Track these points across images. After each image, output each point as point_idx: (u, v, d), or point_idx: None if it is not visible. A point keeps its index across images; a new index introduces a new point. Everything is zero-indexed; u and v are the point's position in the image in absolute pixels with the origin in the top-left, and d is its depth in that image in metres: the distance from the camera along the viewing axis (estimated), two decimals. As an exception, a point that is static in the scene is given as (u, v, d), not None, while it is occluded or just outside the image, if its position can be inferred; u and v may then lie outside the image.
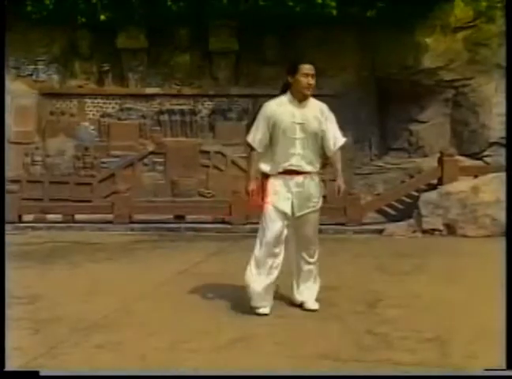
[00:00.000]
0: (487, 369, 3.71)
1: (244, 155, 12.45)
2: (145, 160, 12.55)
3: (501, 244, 8.28)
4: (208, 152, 12.45)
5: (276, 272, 5.29)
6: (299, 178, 5.25)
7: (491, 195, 9.25)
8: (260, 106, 5.48)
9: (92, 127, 12.69)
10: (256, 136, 5.24)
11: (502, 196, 9.15)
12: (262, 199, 5.28)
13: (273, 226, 5.23)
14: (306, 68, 5.28)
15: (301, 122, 5.26)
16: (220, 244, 8.83)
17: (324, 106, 5.45)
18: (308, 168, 5.27)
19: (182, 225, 10.62)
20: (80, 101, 12.67)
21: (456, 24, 11.50)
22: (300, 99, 5.31)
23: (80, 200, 11.88)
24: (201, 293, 5.91)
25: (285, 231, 5.30)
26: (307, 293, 5.42)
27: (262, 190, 5.31)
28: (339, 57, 11.79)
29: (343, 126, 12.68)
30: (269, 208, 5.23)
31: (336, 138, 5.44)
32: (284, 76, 5.48)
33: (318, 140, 5.34)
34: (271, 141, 5.26)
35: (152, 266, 7.42)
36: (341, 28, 11.61)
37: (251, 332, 4.70)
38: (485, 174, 10.01)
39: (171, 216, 11.23)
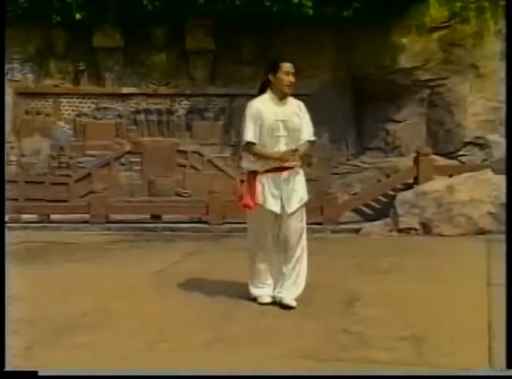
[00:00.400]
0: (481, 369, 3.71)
1: (221, 154, 12.46)
2: (122, 160, 12.48)
3: (476, 242, 8.39)
4: (185, 152, 12.40)
5: (276, 265, 5.51)
6: (286, 174, 5.35)
7: (465, 194, 9.33)
8: (244, 106, 5.52)
9: (68, 126, 12.59)
10: (252, 133, 5.28)
11: (477, 195, 9.25)
12: (251, 198, 5.33)
13: (264, 225, 5.39)
14: (287, 66, 5.37)
15: (284, 120, 5.34)
16: (197, 243, 8.82)
17: (301, 104, 5.54)
18: (294, 163, 5.35)
19: (159, 225, 10.59)
20: (56, 100, 12.57)
21: (431, 25, 11.56)
22: (281, 97, 5.39)
23: (55, 200, 11.78)
24: (178, 293, 5.90)
25: (275, 229, 5.41)
26: (286, 292, 5.45)
27: (250, 189, 5.34)
28: (315, 57, 11.79)
29: (319, 126, 12.69)
30: (257, 208, 5.33)
31: (307, 132, 5.50)
32: (263, 75, 5.51)
33: (299, 136, 5.41)
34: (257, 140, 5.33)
35: (128, 266, 7.39)
36: (318, 28, 11.61)
37: (229, 332, 4.71)
38: (460, 173, 10.09)
39: (148, 216, 11.19)
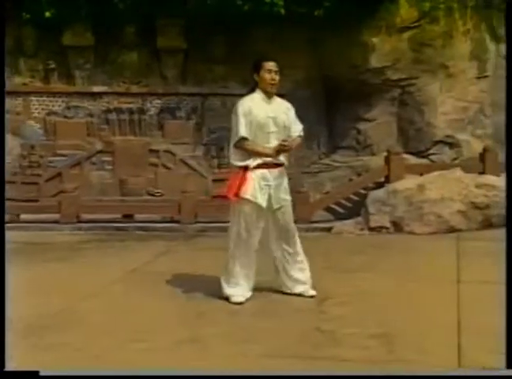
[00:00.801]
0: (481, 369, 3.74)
1: (193, 154, 12.45)
2: (93, 159, 12.42)
3: (446, 240, 8.48)
4: (157, 151, 12.37)
5: (253, 265, 5.61)
6: (275, 171, 5.49)
7: (436, 192, 9.41)
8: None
9: (38, 126, 12.50)
10: (245, 129, 5.36)
11: (447, 193, 9.33)
12: (239, 192, 5.38)
13: (251, 219, 5.43)
14: (270, 65, 5.47)
15: (273, 116, 5.47)
16: (169, 243, 8.80)
17: (288, 104, 5.70)
18: (282, 160, 5.53)
19: (131, 224, 10.55)
20: (26, 99, 12.47)
21: (401, 25, 11.67)
22: (268, 95, 5.51)
23: (26, 200, 11.69)
24: (151, 292, 5.89)
25: (261, 224, 5.51)
26: (300, 284, 5.66)
27: (239, 184, 5.39)
28: (287, 56, 11.73)
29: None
30: (245, 202, 5.39)
31: (299, 130, 5.71)
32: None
33: (287, 133, 5.54)
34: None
35: (100, 266, 7.35)
36: (290, 27, 11.65)
37: (202, 331, 4.71)
38: (430, 172, 10.17)
39: (120, 215, 11.14)
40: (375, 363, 4.02)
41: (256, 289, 5.89)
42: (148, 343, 4.41)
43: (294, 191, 10.71)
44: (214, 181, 12.19)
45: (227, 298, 5.55)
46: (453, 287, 5.87)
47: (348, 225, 9.80)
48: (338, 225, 9.87)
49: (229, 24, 11.69)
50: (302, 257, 5.77)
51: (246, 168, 5.42)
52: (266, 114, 5.44)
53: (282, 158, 5.51)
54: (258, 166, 5.42)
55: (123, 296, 5.84)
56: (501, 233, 8.62)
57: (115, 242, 9.05)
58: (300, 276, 5.70)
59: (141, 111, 12.43)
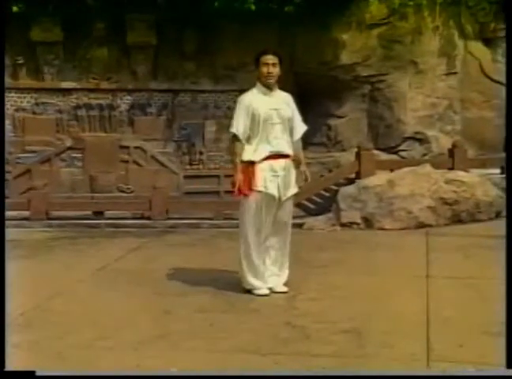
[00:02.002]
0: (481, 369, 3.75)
1: (164, 150, 12.40)
2: (63, 156, 12.31)
3: (416, 236, 8.54)
4: (127, 147, 12.31)
5: (272, 253, 5.69)
6: (283, 162, 5.54)
7: (405, 188, 9.46)
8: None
9: (7, 122, 12.36)
10: (239, 127, 5.43)
11: (417, 189, 9.40)
12: (250, 187, 5.44)
13: (266, 210, 5.50)
14: (266, 58, 5.53)
15: (276, 108, 5.53)
16: (140, 239, 8.75)
17: (290, 96, 5.77)
18: (289, 151, 5.58)
19: (102, 221, 10.48)
20: (-6, 95, 12.34)
21: (371, 21, 11.72)
22: (269, 88, 5.55)
23: (-5, 197, 11.58)
24: (121, 289, 5.86)
25: (272, 214, 5.58)
26: (275, 279, 5.68)
27: (248, 178, 5.45)
28: (258, 51, 11.82)
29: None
30: (258, 195, 5.46)
31: (300, 126, 5.75)
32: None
33: (290, 126, 5.62)
34: (251, 130, 5.47)
35: (70, 263, 7.29)
36: (260, 24, 11.65)
37: (170, 327, 4.70)
38: (400, 168, 10.23)
39: (90, 212, 11.06)
40: (345, 358, 4.04)
41: (227, 283, 5.90)
42: (115, 340, 4.39)
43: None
44: (185, 177, 12.17)
45: (248, 291, 5.58)
46: (422, 281, 5.91)
47: (319, 221, 9.82)
48: (309, 221, 9.89)
49: (200, 20, 11.65)
50: (287, 251, 5.79)
51: (253, 162, 5.47)
52: (269, 107, 5.49)
53: (289, 150, 5.57)
54: (265, 158, 5.48)
55: (92, 294, 5.80)
56: (470, 228, 8.74)
57: (85, 239, 8.98)
58: (276, 270, 5.72)
59: (111, 107, 12.36)
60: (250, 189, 5.45)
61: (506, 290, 4.54)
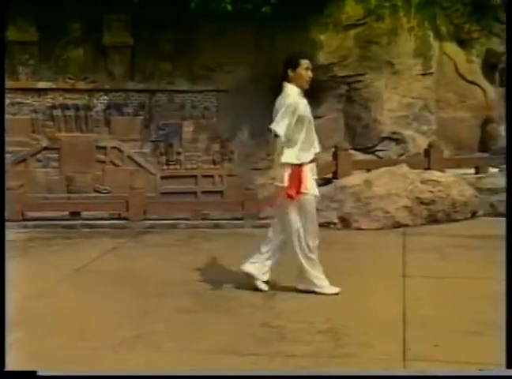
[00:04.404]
0: (480, 369, 3.77)
1: (141, 150, 12.34)
2: (39, 156, 12.20)
3: (392, 236, 8.59)
4: (104, 148, 12.22)
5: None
6: (314, 164, 5.70)
7: (382, 188, 9.51)
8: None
9: (-18, 122, 12.25)
10: (283, 127, 5.45)
11: (393, 189, 9.45)
12: (298, 190, 5.45)
13: (314, 214, 5.60)
14: (307, 62, 5.65)
15: (309, 111, 5.67)
16: (117, 240, 8.72)
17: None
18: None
19: (78, 222, 10.41)
20: (-32, 95, 12.21)
21: (347, 22, 11.74)
22: (302, 91, 5.67)
23: (-31, 198, 11.46)
24: (99, 290, 5.84)
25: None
26: (320, 280, 5.69)
27: (296, 181, 5.47)
28: (235, 52, 11.80)
29: (239, 121, 12.72)
30: (307, 197, 5.52)
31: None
32: (281, 71, 5.70)
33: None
34: (295, 133, 5.50)
35: (47, 264, 7.25)
36: (237, 24, 11.62)
37: (150, 328, 4.70)
38: (377, 168, 10.28)
39: (67, 213, 10.99)
40: (322, 358, 4.06)
41: (205, 284, 5.91)
42: (94, 341, 4.38)
43: (242, 188, 10.81)
44: (162, 177, 12.14)
45: (313, 292, 5.59)
46: (399, 281, 5.96)
47: (296, 221, 9.83)
48: (287, 221, 9.90)
49: (176, 20, 11.61)
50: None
51: (300, 165, 5.50)
52: (309, 109, 5.63)
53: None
54: (310, 161, 5.58)
55: (69, 295, 5.77)
56: (445, 228, 8.82)
57: (62, 240, 8.93)
58: (316, 276, 5.72)
59: (88, 108, 12.26)
60: (299, 192, 5.47)
61: (506, 290, 4.57)
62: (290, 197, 5.48)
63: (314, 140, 5.64)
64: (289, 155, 5.51)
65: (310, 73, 5.62)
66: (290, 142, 5.51)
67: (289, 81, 5.61)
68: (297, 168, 5.50)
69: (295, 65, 5.58)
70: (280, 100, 5.59)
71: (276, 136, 5.46)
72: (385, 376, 3.74)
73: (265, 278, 5.79)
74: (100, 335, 4.53)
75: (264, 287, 5.71)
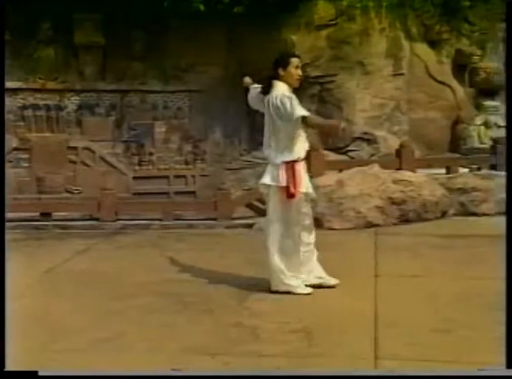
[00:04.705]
0: (480, 369, 3.78)
1: (112, 151, 12.28)
2: (9, 156, 12.11)
3: (364, 235, 8.63)
4: (75, 148, 12.16)
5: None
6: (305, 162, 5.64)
7: (354, 188, 9.54)
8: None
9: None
10: (302, 109, 5.40)
11: (365, 189, 9.50)
12: (296, 187, 5.44)
13: (300, 212, 5.54)
14: (297, 61, 5.65)
15: None
16: (89, 241, 8.66)
17: None
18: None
19: (49, 223, 10.32)
20: None
21: (319, 22, 11.81)
22: (291, 89, 5.59)
23: None
24: (70, 292, 5.80)
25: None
26: (319, 270, 5.74)
27: (295, 178, 5.45)
28: (207, 52, 11.82)
29: (212, 122, 12.74)
30: (303, 196, 5.51)
31: None
32: (271, 70, 5.61)
33: None
34: (291, 129, 5.47)
35: (17, 266, 7.16)
36: (210, 24, 11.64)
37: (121, 329, 4.67)
38: (349, 168, 10.32)
39: (37, 214, 10.89)
40: (296, 358, 4.07)
41: (177, 284, 5.89)
42: (65, 343, 4.34)
43: (215, 187, 10.81)
44: (134, 178, 12.10)
45: (287, 292, 5.55)
46: (371, 281, 5.98)
47: (269, 221, 9.84)
48: (260, 221, 9.90)
49: (148, 20, 11.58)
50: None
51: (295, 161, 5.48)
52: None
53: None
54: (303, 158, 5.56)
55: (40, 296, 5.72)
56: (417, 227, 8.87)
57: (33, 241, 8.85)
58: (315, 267, 5.77)
59: (59, 108, 12.19)
60: (298, 191, 5.46)
61: (506, 290, 4.58)
62: (292, 196, 5.48)
63: (305, 137, 5.62)
64: (287, 153, 5.51)
65: (300, 72, 5.62)
66: (288, 140, 5.50)
67: (279, 80, 5.58)
68: (295, 166, 5.50)
69: (285, 64, 5.56)
70: (276, 96, 5.48)
71: (304, 118, 5.40)
72: (381, 375, 3.75)
73: (317, 274, 5.76)
74: (71, 336, 4.50)
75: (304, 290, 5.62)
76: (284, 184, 5.45)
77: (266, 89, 5.61)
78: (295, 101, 5.40)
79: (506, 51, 10.82)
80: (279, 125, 5.48)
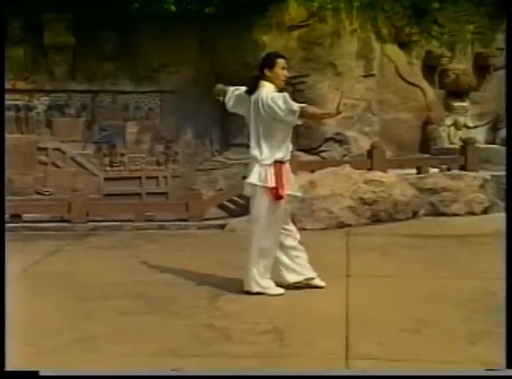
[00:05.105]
0: (488, 369, 3.79)
1: (83, 151, 12.17)
2: (-22, 158, 11.97)
3: (336, 236, 8.67)
4: (45, 149, 12.03)
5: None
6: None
7: (326, 189, 9.58)
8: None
9: None
10: (295, 104, 5.36)
11: (337, 189, 9.54)
12: (283, 188, 5.45)
13: (282, 213, 5.59)
14: (283, 61, 5.60)
15: None
16: (59, 243, 8.59)
17: None
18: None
19: (19, 224, 10.22)
20: None
21: (291, 23, 11.83)
22: (277, 90, 5.56)
23: None
24: (40, 294, 5.75)
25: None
26: (309, 269, 5.74)
27: (282, 180, 5.46)
28: (179, 53, 11.77)
29: (183, 123, 12.68)
30: (288, 197, 5.54)
31: None
32: (257, 70, 5.63)
33: None
34: (282, 129, 5.50)
35: (-14, 269, 7.09)
36: (181, 24, 11.59)
37: (91, 331, 4.64)
38: (321, 168, 10.35)
39: (7, 215, 10.78)
40: (267, 358, 4.08)
41: (148, 285, 5.87)
42: (36, 346, 4.31)
43: (187, 188, 10.78)
44: (106, 179, 12.01)
45: (259, 293, 5.54)
46: (343, 281, 6.02)
47: (241, 222, 9.84)
48: (232, 222, 9.91)
49: (119, 20, 11.51)
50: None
51: (281, 162, 5.49)
52: None
53: None
54: (288, 159, 5.59)
55: (10, 299, 5.66)
56: (388, 227, 8.94)
57: (2, 244, 8.75)
58: (305, 265, 5.77)
59: (28, 108, 12.05)
60: (284, 193, 5.46)
61: (506, 290, 4.61)
62: (280, 197, 5.47)
63: (289, 139, 5.62)
64: (278, 153, 5.51)
65: (286, 73, 5.61)
66: (280, 139, 5.51)
67: (265, 80, 5.58)
68: (283, 167, 5.51)
69: (272, 65, 5.56)
70: (267, 96, 5.41)
71: (301, 109, 5.37)
72: (379, 375, 3.76)
73: (308, 275, 5.74)
74: (43, 339, 4.46)
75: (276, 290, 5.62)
76: (272, 185, 5.46)
77: (252, 89, 5.61)
78: (288, 97, 5.39)
79: (506, 51, 10.88)
80: (271, 124, 5.48)
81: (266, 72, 5.57)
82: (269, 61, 5.60)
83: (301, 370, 3.84)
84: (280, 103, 5.36)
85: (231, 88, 5.87)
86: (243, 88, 5.75)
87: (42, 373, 3.44)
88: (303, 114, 5.36)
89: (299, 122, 5.46)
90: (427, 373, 3.75)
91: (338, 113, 5.45)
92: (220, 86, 6.03)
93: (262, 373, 3.77)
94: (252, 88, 5.62)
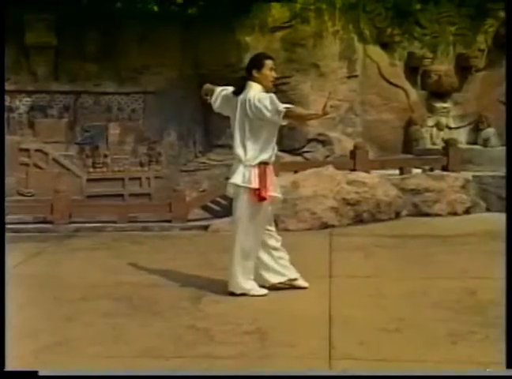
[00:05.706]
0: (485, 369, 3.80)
1: (66, 153, 12.12)
2: (-41, 159, 11.88)
3: (319, 236, 8.69)
4: (27, 150, 11.97)
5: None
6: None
7: (309, 189, 9.60)
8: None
9: None
10: (280, 104, 5.33)
11: (320, 190, 9.56)
12: (267, 191, 5.42)
13: (266, 215, 5.58)
14: (271, 62, 5.58)
15: None
16: (42, 244, 8.54)
17: None
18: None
19: (1, 226, 10.16)
20: None
21: (273, 24, 11.85)
22: (265, 91, 5.55)
23: None
24: (21, 296, 5.71)
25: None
26: (292, 270, 5.73)
27: (266, 181, 5.43)
28: (162, 54, 11.75)
29: (167, 124, 12.65)
30: (273, 199, 5.55)
31: None
32: (245, 72, 5.62)
33: None
34: (268, 130, 5.48)
35: (-33, 271, 7.04)
36: (164, 25, 11.57)
37: (72, 333, 4.62)
38: (304, 169, 10.37)
39: (-12, 217, 10.71)
40: (249, 359, 4.08)
41: (130, 287, 5.85)
42: (16, 348, 4.28)
43: (170, 189, 10.76)
44: (89, 180, 11.96)
45: (243, 294, 5.53)
46: (325, 281, 6.03)
47: (224, 223, 9.83)
48: (215, 223, 9.90)
49: (102, 20, 11.47)
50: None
51: (266, 164, 5.48)
52: None
53: None
54: (272, 161, 5.56)
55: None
56: (371, 228, 8.97)
57: (-17, 245, 8.69)
58: (288, 266, 5.76)
59: (10, 109, 11.98)
60: (268, 194, 5.44)
61: (506, 290, 4.61)
62: (263, 199, 5.47)
63: (275, 139, 5.62)
64: (264, 154, 5.50)
65: (274, 74, 5.60)
66: (266, 139, 5.50)
67: (253, 81, 5.57)
68: (267, 168, 5.50)
69: (260, 66, 5.54)
70: (254, 97, 5.39)
71: (286, 110, 5.35)
72: (378, 376, 3.77)
73: (291, 276, 5.73)
74: (23, 341, 4.44)
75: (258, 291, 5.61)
76: (256, 186, 5.44)
77: (239, 90, 5.60)
78: (274, 98, 5.38)
79: (506, 51, 10.93)
80: (258, 125, 5.46)
81: (254, 73, 5.56)
82: (257, 63, 5.59)
83: (284, 370, 3.84)
84: (267, 103, 5.35)
85: (219, 89, 5.85)
86: (230, 89, 5.74)
87: (41, 373, 3.44)
88: (288, 114, 5.34)
89: (284, 123, 5.45)
90: (426, 374, 3.77)
91: (325, 114, 5.44)
92: (208, 85, 5.99)
93: (245, 374, 3.77)
94: (239, 89, 5.61)
